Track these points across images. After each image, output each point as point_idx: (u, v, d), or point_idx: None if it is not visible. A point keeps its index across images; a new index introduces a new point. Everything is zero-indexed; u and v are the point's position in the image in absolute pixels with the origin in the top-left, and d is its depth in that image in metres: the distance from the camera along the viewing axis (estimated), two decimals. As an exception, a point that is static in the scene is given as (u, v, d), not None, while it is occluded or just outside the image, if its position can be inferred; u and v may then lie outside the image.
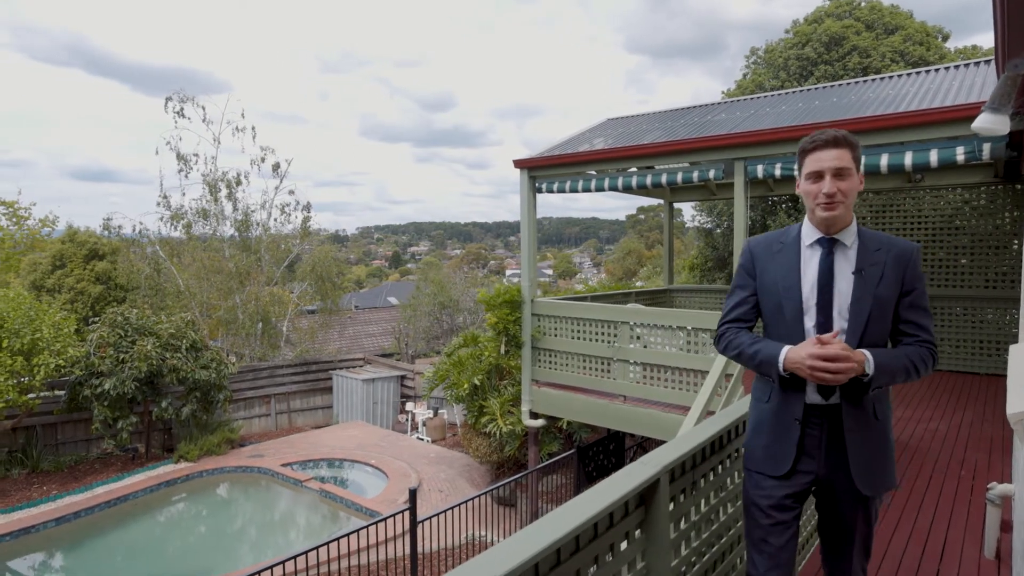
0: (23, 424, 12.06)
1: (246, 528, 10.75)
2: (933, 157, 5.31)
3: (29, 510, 10.33)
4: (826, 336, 1.95)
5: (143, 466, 12.36)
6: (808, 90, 7.99)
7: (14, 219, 24.87)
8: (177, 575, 9.03)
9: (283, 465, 12.32)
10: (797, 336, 2.08)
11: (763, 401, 2.20)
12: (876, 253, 2.05)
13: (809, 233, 2.13)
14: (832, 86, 7.84)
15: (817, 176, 2.02)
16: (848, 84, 7.71)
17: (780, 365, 2.04)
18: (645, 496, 1.94)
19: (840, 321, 2.04)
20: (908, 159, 5.40)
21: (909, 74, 7.25)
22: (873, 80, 7.46)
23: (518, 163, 8.32)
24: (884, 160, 5.48)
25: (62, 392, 12.31)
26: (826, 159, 1.99)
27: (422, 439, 14.91)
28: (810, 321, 2.07)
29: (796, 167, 2.16)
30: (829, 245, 2.07)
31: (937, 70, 7.08)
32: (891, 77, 7.36)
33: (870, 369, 1.93)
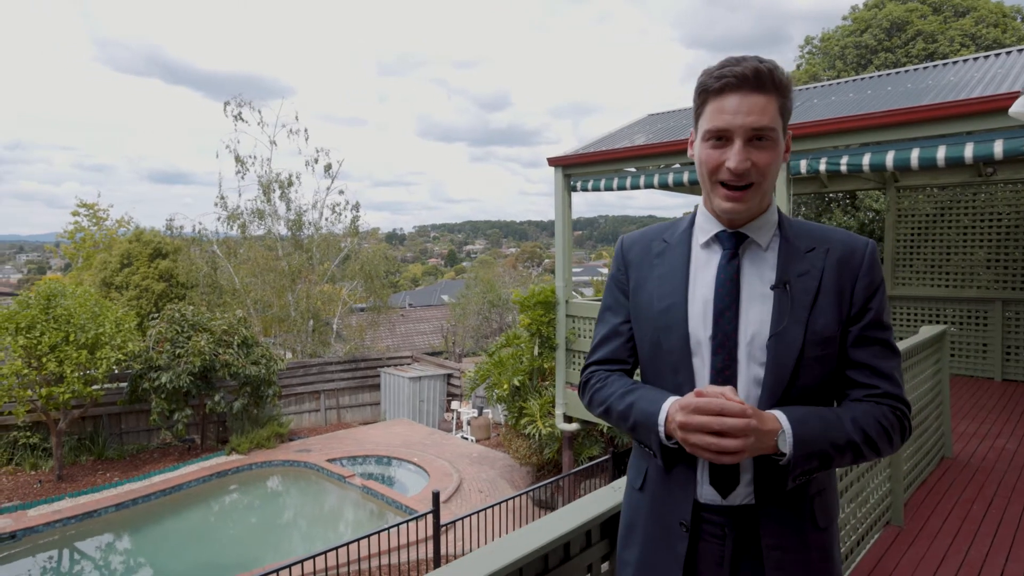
0: (90, 414, 12.67)
1: (289, 521, 10.96)
2: (998, 148, 4.84)
3: (93, 495, 10.84)
4: (712, 389, 1.20)
5: (197, 457, 12.78)
6: (862, 79, 7.49)
7: (94, 220, 26.41)
8: (220, 564, 9.26)
9: (328, 460, 12.50)
10: (684, 388, 1.32)
11: (636, 487, 1.46)
12: (808, 256, 1.31)
13: (705, 226, 1.38)
14: (888, 74, 7.32)
15: (720, 137, 1.26)
16: (906, 71, 7.17)
17: (661, 427, 1.27)
18: (612, 525, 1.75)
19: (751, 366, 1.28)
20: (969, 151, 4.94)
21: (976, 58, 6.68)
22: (935, 66, 6.92)
23: (552, 161, 8.13)
24: (941, 153, 5.03)
25: (125, 384, 12.88)
26: (737, 110, 1.23)
27: (466, 438, 14.89)
28: (702, 365, 1.32)
29: (693, 116, 1.37)
30: (733, 244, 1.33)
31: (1008, 53, 6.50)
32: (955, 62, 6.80)
33: (786, 445, 1.18)
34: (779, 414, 1.20)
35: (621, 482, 1.79)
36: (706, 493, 1.33)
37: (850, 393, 1.31)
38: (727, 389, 1.19)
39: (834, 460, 1.23)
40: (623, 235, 1.54)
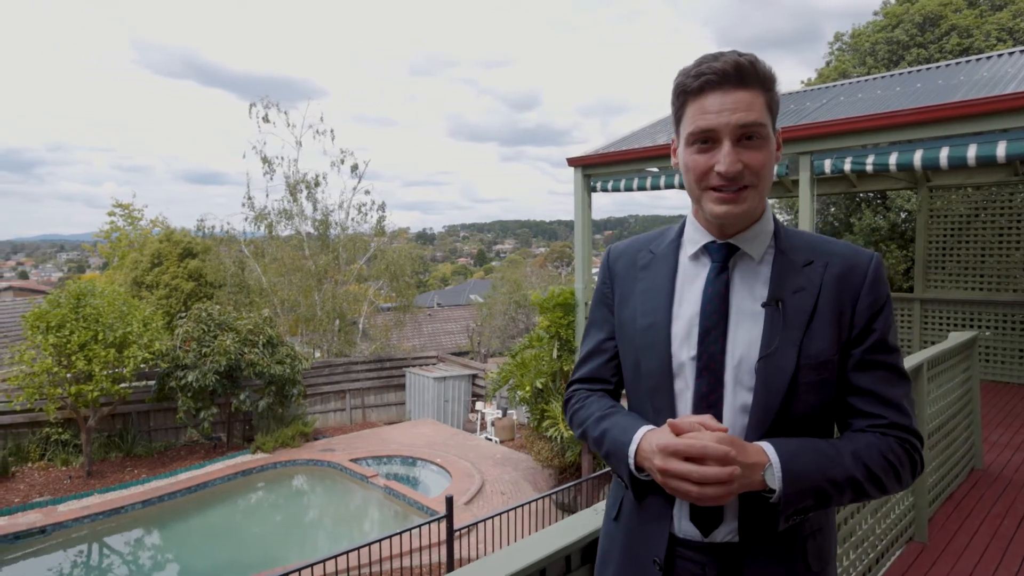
0: (119, 411, 12.91)
1: (311, 521, 11.05)
2: (1032, 147, 4.62)
3: (120, 491, 11.03)
4: (687, 420, 1.12)
5: (223, 455, 12.95)
6: (891, 76, 7.25)
7: (129, 220, 27.08)
8: (243, 562, 9.37)
9: (352, 460, 12.55)
10: (664, 414, 1.23)
11: (612, 517, 1.38)
12: (805, 271, 1.20)
13: (694, 236, 1.28)
14: (918, 70, 7.07)
15: (706, 139, 1.16)
16: (937, 67, 6.92)
17: (631, 459, 1.19)
18: (595, 550, 1.67)
19: (739, 391, 1.18)
20: (1002, 150, 4.73)
21: (1011, 53, 6.42)
22: (968, 62, 6.66)
23: (572, 161, 8.03)
24: (972, 151, 4.83)
25: (152, 382, 13.11)
26: (721, 108, 1.13)
27: (490, 439, 14.86)
28: (685, 388, 1.22)
29: (673, 120, 1.27)
30: (723, 257, 1.23)
31: (1047, 48, 6.22)
32: (988, 57, 6.54)
33: (775, 482, 1.08)
34: (766, 446, 1.11)
35: (603, 504, 1.71)
36: (685, 528, 1.23)
37: (852, 423, 1.20)
38: (706, 418, 1.10)
39: (832, 499, 1.12)
40: (611, 245, 1.45)
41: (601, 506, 1.68)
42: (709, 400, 1.19)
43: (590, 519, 1.65)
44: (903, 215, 11.08)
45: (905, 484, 1.17)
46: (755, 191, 1.16)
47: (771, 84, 1.18)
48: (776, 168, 5.71)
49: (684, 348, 1.22)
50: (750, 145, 1.14)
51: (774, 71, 1.19)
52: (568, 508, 10.34)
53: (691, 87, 1.17)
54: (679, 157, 1.25)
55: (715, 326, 1.20)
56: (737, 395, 1.18)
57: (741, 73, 1.14)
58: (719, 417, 1.19)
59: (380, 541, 5.44)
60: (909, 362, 3.76)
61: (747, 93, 1.14)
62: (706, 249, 1.25)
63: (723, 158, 1.13)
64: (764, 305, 1.18)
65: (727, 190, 1.16)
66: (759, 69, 1.15)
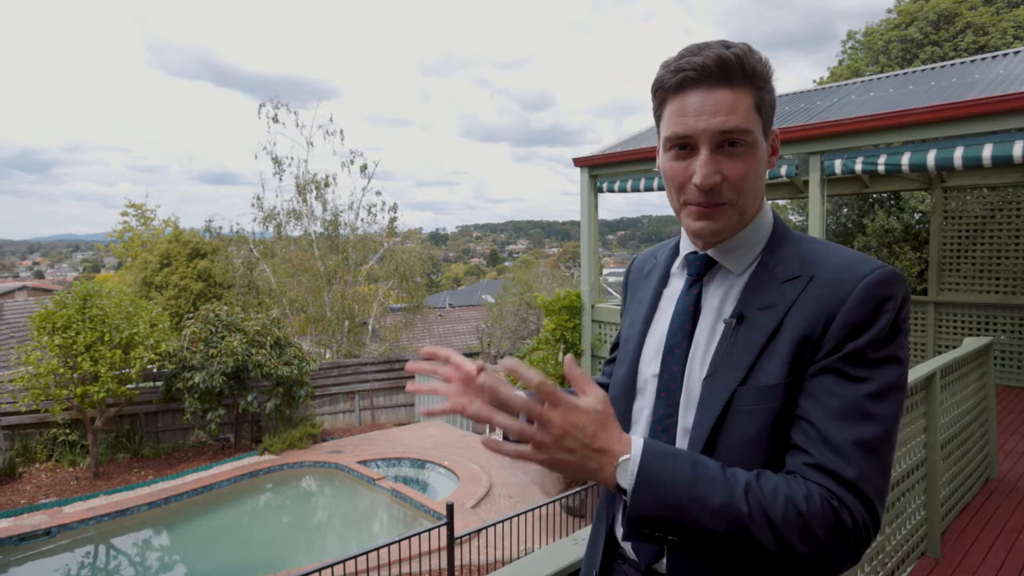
0: (126, 412, 12.92)
1: (316, 524, 10.99)
2: (1051, 147, 4.46)
3: (127, 493, 11.03)
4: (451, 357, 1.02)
5: (230, 456, 12.93)
6: (904, 74, 7.07)
7: (142, 220, 27.27)
8: (248, 563, 9.34)
9: (359, 462, 12.49)
10: (624, 427, 1.10)
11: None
12: (784, 287, 1.02)
13: (684, 245, 1.20)
14: (931, 68, 6.90)
15: (683, 145, 1.03)
16: (951, 65, 6.75)
17: None
18: (574, 579, 1.57)
19: (688, 413, 1.06)
20: (1019, 149, 4.57)
21: (1029, 50, 6.24)
22: (983, 59, 6.48)
23: (578, 161, 7.92)
24: (987, 151, 4.67)
25: (160, 383, 13.12)
26: (700, 110, 1.00)
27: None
28: (645, 406, 1.13)
29: (654, 121, 1.14)
30: (698, 270, 1.12)
31: (1066, 44, 6.03)
32: (1004, 55, 6.36)
33: (626, 479, 0.89)
34: (636, 440, 0.90)
35: (583, 533, 1.61)
36: (622, 532, 1.13)
37: (788, 462, 0.96)
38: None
39: (701, 529, 0.87)
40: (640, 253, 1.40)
41: (580, 534, 1.59)
42: (665, 423, 1.08)
43: (567, 550, 1.54)
44: (917, 216, 10.86)
45: (820, 552, 0.87)
46: (734, 208, 1.03)
47: (762, 82, 1.03)
48: (786, 169, 5.52)
49: (651, 365, 1.13)
50: (732, 152, 1.00)
51: (769, 65, 1.04)
52: (576, 512, 10.23)
53: (668, 84, 1.03)
54: (659, 162, 1.11)
55: (678, 344, 1.10)
56: (686, 416, 1.06)
57: (725, 69, 0.99)
58: (671, 442, 1.06)
59: (379, 549, 5.35)
60: (922, 369, 3.61)
61: (731, 92, 1.00)
62: (686, 261, 1.17)
63: (699, 168, 1.00)
64: (726, 321, 1.06)
65: (703, 204, 1.03)
66: (747, 64, 1.00)
